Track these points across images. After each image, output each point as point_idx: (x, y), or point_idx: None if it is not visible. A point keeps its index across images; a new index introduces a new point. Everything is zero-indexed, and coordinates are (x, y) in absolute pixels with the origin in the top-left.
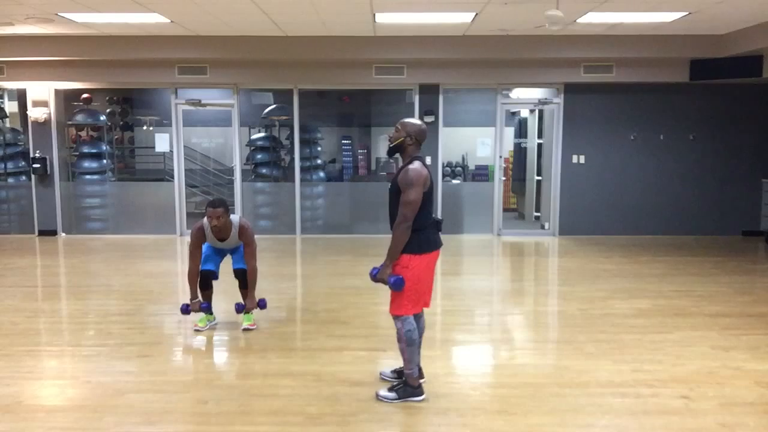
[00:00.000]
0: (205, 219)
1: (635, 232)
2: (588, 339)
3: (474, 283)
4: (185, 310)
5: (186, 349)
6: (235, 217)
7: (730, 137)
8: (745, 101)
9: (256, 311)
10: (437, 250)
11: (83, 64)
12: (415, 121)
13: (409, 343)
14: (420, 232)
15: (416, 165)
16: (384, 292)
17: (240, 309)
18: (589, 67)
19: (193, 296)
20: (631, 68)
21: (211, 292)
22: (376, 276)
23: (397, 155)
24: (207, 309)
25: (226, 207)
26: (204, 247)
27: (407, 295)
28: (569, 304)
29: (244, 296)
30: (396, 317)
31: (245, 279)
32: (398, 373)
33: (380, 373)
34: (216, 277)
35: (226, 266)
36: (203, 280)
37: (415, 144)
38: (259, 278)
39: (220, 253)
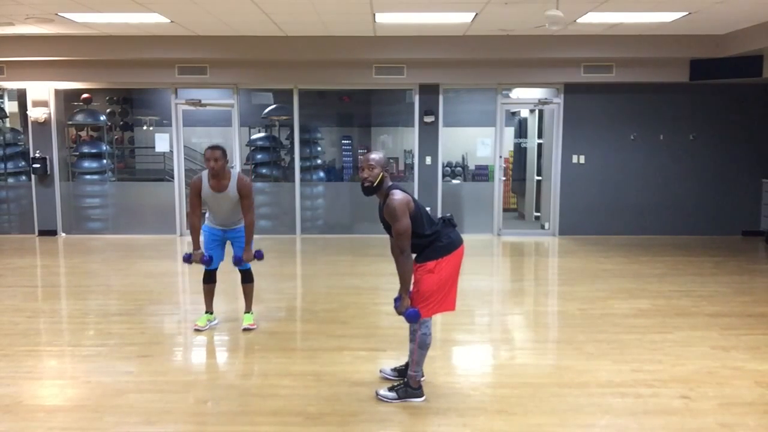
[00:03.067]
0: (204, 173)
1: (635, 232)
2: (588, 339)
3: (474, 283)
4: (187, 258)
5: (186, 349)
6: (235, 170)
7: (730, 137)
8: (745, 101)
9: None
10: (461, 247)
11: (83, 64)
12: (378, 152)
13: (422, 347)
14: (437, 238)
15: (397, 195)
16: (384, 291)
17: (237, 261)
18: (589, 67)
19: (195, 247)
20: (631, 68)
21: (214, 285)
22: (397, 309)
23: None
24: (208, 262)
25: (225, 152)
26: (204, 237)
27: (432, 299)
28: (569, 304)
29: (245, 290)
30: None
31: (247, 276)
32: (399, 372)
33: (380, 371)
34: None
35: (226, 267)
36: (206, 274)
37: (387, 174)
38: (259, 279)
39: (221, 243)
